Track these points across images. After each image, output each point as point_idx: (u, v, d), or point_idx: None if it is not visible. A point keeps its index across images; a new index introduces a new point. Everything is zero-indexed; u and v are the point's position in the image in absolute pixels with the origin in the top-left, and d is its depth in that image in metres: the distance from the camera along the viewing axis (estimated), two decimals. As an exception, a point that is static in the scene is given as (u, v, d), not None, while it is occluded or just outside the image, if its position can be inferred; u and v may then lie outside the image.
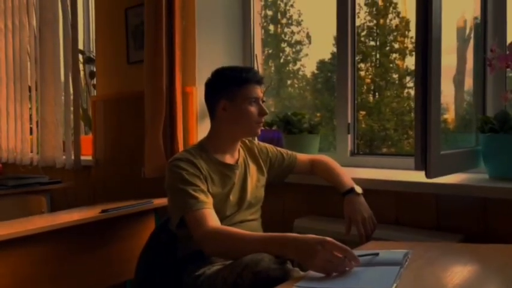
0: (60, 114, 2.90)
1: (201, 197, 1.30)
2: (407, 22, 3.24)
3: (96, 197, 2.59)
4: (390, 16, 3.35)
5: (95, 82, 2.86)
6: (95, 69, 2.81)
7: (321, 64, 3.43)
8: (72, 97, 2.76)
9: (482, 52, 1.62)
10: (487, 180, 1.42)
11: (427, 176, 1.26)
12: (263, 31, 2.52)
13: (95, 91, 2.80)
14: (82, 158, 2.73)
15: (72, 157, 2.73)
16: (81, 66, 2.94)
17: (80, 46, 2.86)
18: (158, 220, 1.96)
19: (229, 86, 1.42)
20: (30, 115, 3.24)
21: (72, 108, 2.77)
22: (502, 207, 1.37)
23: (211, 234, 1.22)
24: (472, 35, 1.70)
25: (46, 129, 2.90)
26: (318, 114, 3.25)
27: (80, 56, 2.87)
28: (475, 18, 1.67)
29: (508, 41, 1.55)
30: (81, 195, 2.72)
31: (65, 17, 2.84)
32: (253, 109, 1.42)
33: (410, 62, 3.20)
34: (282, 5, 3.60)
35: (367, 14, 3.33)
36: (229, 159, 1.49)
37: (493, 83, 1.61)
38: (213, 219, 1.26)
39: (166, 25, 2.00)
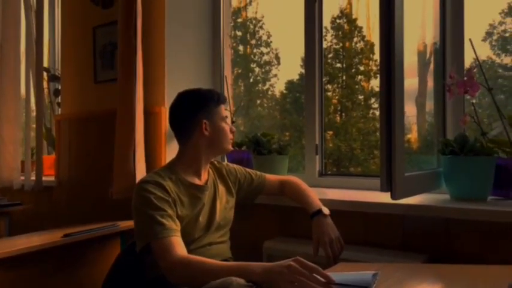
0: (20, 133, 2.80)
1: (168, 223, 1.28)
2: (372, 45, 3.37)
3: (59, 219, 2.49)
4: (355, 39, 3.47)
5: (59, 100, 2.78)
6: (60, 87, 2.74)
7: (290, 84, 3.50)
8: (34, 115, 2.67)
9: (441, 77, 1.69)
10: (448, 201, 1.47)
11: (393, 197, 1.30)
12: (232, 51, 2.55)
13: (60, 110, 2.73)
14: (43, 178, 2.63)
15: (33, 177, 2.62)
16: (45, 84, 2.86)
17: (45, 63, 2.79)
18: (124, 243, 1.90)
19: (208, 106, 1.45)
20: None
21: (34, 126, 2.68)
22: (463, 227, 1.41)
23: (178, 264, 1.20)
24: (432, 60, 1.78)
25: (4, 148, 2.78)
26: (287, 134, 3.30)
27: (45, 74, 2.80)
28: (435, 43, 1.75)
29: (466, 67, 1.64)
30: (42, 218, 2.61)
31: (28, 33, 2.77)
32: (227, 126, 1.48)
33: (375, 83, 3.31)
34: (252, 26, 3.66)
35: (333, 37, 3.44)
36: (198, 180, 1.47)
37: (452, 106, 1.68)
38: (179, 248, 1.24)
39: (136, 45, 1.98)
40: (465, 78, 1.43)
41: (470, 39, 1.46)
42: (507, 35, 2.91)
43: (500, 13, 2.85)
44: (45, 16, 2.76)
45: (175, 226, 1.30)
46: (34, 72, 2.68)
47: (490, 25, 2.89)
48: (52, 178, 2.59)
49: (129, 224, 1.85)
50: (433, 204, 1.41)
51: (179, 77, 2.16)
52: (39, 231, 1.94)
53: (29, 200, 2.64)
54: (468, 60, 1.70)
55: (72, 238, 1.69)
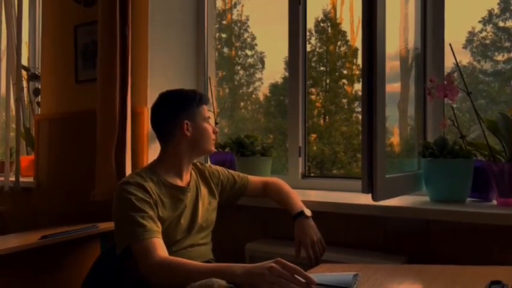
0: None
1: (149, 224, 1.26)
2: (356, 50, 3.41)
3: (37, 221, 2.44)
4: (339, 43, 3.51)
5: (39, 100, 2.73)
6: (40, 87, 2.69)
7: (274, 87, 3.51)
8: (14, 114, 2.62)
9: (422, 81, 1.72)
10: (428, 202, 1.49)
11: (374, 199, 1.31)
12: (217, 53, 2.55)
13: (39, 109, 2.67)
14: (21, 179, 2.57)
15: (12, 178, 2.56)
16: (24, 83, 2.80)
17: (25, 62, 2.74)
18: (104, 246, 1.87)
19: (190, 106, 1.44)
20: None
21: (14, 126, 2.62)
22: (442, 228, 1.44)
23: (160, 266, 1.18)
24: (414, 64, 1.81)
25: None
26: (271, 136, 3.31)
27: (24, 73, 2.74)
28: (416, 48, 1.78)
29: (446, 72, 1.67)
30: (20, 219, 2.55)
31: (9, 31, 2.71)
32: (210, 127, 1.47)
33: (358, 87, 3.35)
34: (236, 28, 3.67)
35: (317, 40, 3.47)
36: (180, 181, 1.46)
37: (433, 110, 1.71)
38: (161, 249, 1.23)
39: (120, 45, 1.96)
40: (445, 82, 1.45)
41: (450, 44, 1.49)
42: (487, 41, 2.99)
43: (480, 21, 2.93)
44: (25, 14, 2.71)
45: (156, 228, 1.28)
46: (14, 71, 2.63)
47: (470, 32, 2.97)
48: (31, 179, 2.53)
49: (109, 225, 1.82)
50: (413, 206, 1.43)
51: (162, 77, 2.14)
52: (16, 233, 1.90)
53: (7, 201, 2.58)
54: (448, 65, 1.73)
55: (49, 240, 1.65)
